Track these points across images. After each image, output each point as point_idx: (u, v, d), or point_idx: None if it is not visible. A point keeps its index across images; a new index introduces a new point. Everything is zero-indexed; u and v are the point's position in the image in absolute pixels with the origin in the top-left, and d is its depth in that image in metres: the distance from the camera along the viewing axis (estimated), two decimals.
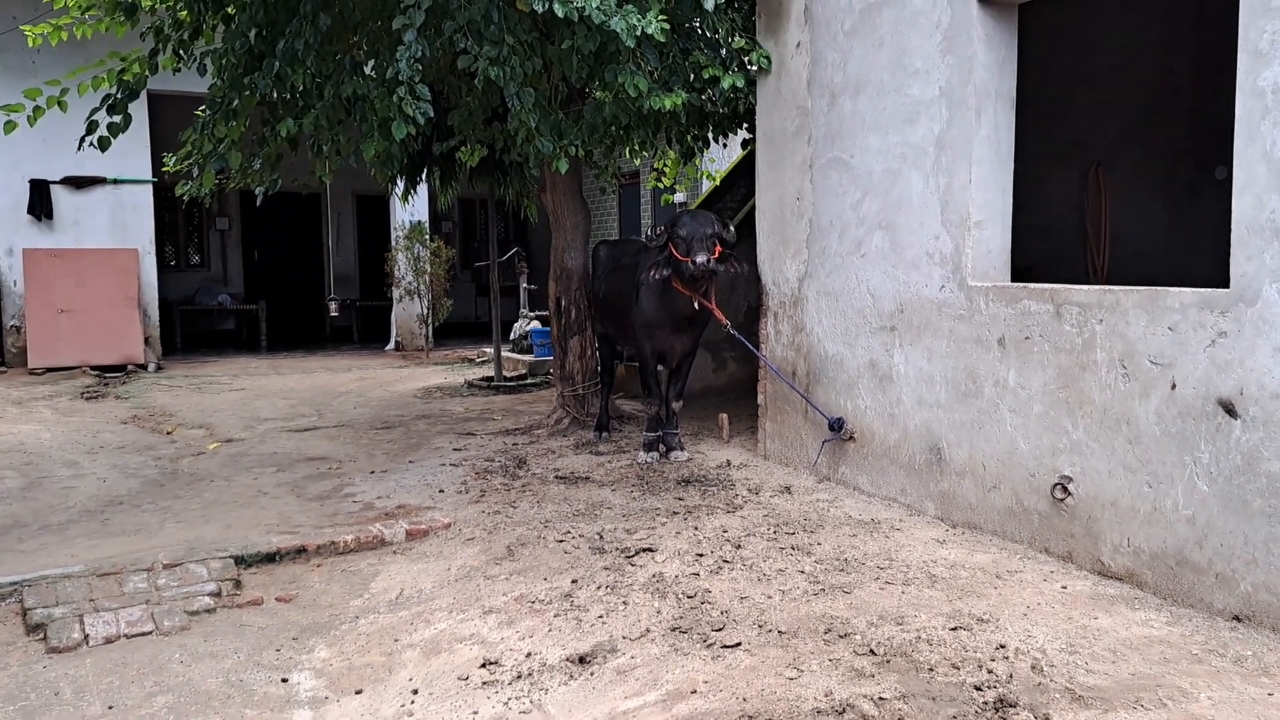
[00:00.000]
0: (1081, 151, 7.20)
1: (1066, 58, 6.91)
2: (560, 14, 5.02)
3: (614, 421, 7.62)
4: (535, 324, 11.95)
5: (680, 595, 4.18)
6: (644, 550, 4.75)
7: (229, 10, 6.74)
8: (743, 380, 8.58)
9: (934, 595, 4.07)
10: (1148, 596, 3.98)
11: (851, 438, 5.57)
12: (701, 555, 4.64)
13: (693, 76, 6.27)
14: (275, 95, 6.65)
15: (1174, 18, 7.28)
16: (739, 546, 4.73)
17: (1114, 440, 4.10)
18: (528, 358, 11.33)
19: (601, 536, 5.00)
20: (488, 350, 12.88)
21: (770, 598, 4.10)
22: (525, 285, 12.33)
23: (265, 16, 6.41)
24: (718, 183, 8.71)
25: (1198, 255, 7.29)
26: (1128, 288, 4.03)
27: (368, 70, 6.53)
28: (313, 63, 6.34)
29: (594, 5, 5.06)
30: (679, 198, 12.24)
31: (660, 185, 9.28)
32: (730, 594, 4.16)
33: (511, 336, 11.92)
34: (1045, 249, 6.71)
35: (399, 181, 8.78)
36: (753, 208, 8.35)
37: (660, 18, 5.29)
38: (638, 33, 5.25)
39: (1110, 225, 7.11)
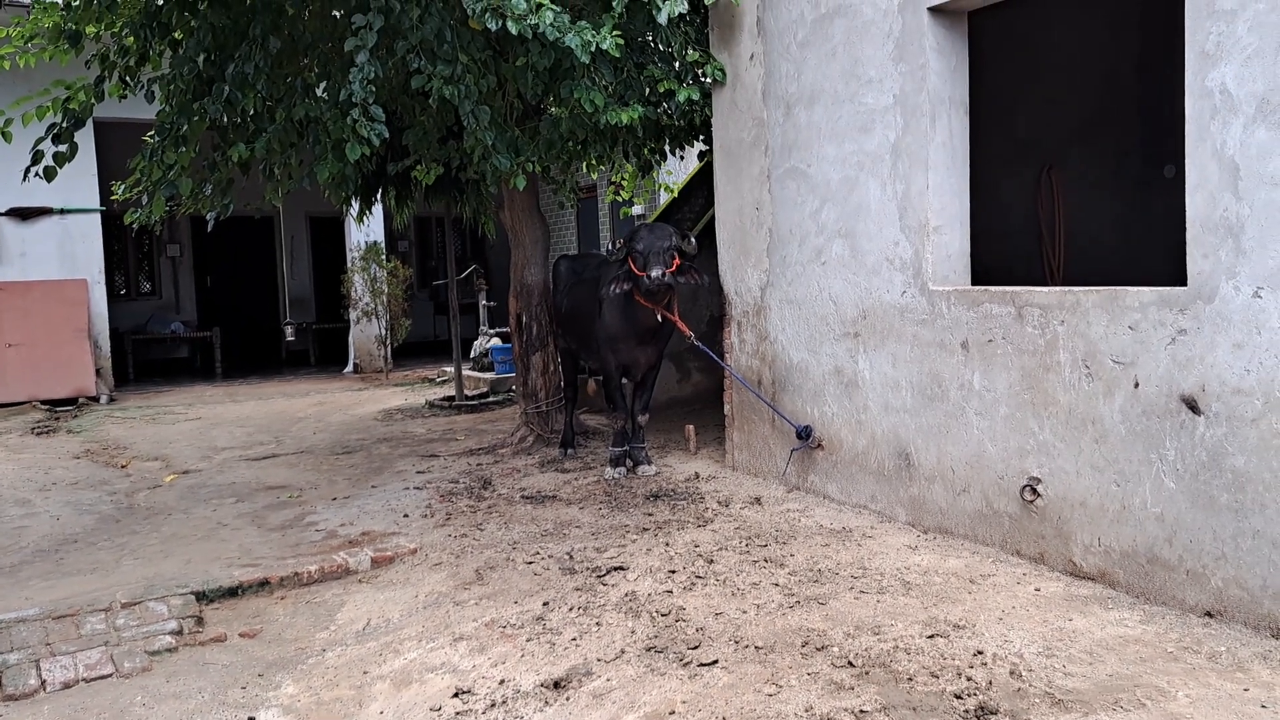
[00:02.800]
0: (1034, 153, 7.27)
1: (1015, 61, 6.98)
2: (514, 31, 4.97)
3: (579, 437, 7.56)
4: (495, 341, 11.86)
5: (654, 614, 4.13)
6: (615, 569, 4.70)
7: (176, 36, 6.64)
8: (708, 390, 8.56)
9: (909, 603, 4.06)
10: (1120, 596, 4.00)
11: (820, 445, 5.56)
12: (674, 572, 4.60)
13: (648, 90, 6.26)
14: (225, 120, 6.55)
15: (1117, 20, 7.39)
16: (711, 561, 4.69)
17: (1080, 440, 4.12)
18: (489, 375, 11.23)
19: (571, 556, 4.94)
20: (448, 369, 12.75)
21: (745, 612, 4.06)
22: (484, 302, 12.24)
23: (213, 41, 6.32)
24: (676, 194, 8.70)
25: (1151, 252, 7.41)
26: (1087, 288, 4.06)
27: (319, 92, 6.45)
28: (263, 86, 6.26)
29: (548, 22, 5.02)
30: (637, 210, 12.24)
31: (619, 199, 9.26)
32: (705, 610, 4.12)
33: (472, 354, 11.81)
34: (1003, 251, 6.76)
35: (354, 202, 8.68)
36: (712, 218, 8.37)
37: (614, 33, 5.27)
38: (592, 48, 5.22)
39: (1065, 225, 7.18)
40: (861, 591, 4.22)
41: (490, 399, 10.24)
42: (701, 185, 9.24)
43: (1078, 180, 7.40)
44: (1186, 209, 3.73)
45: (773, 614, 4.04)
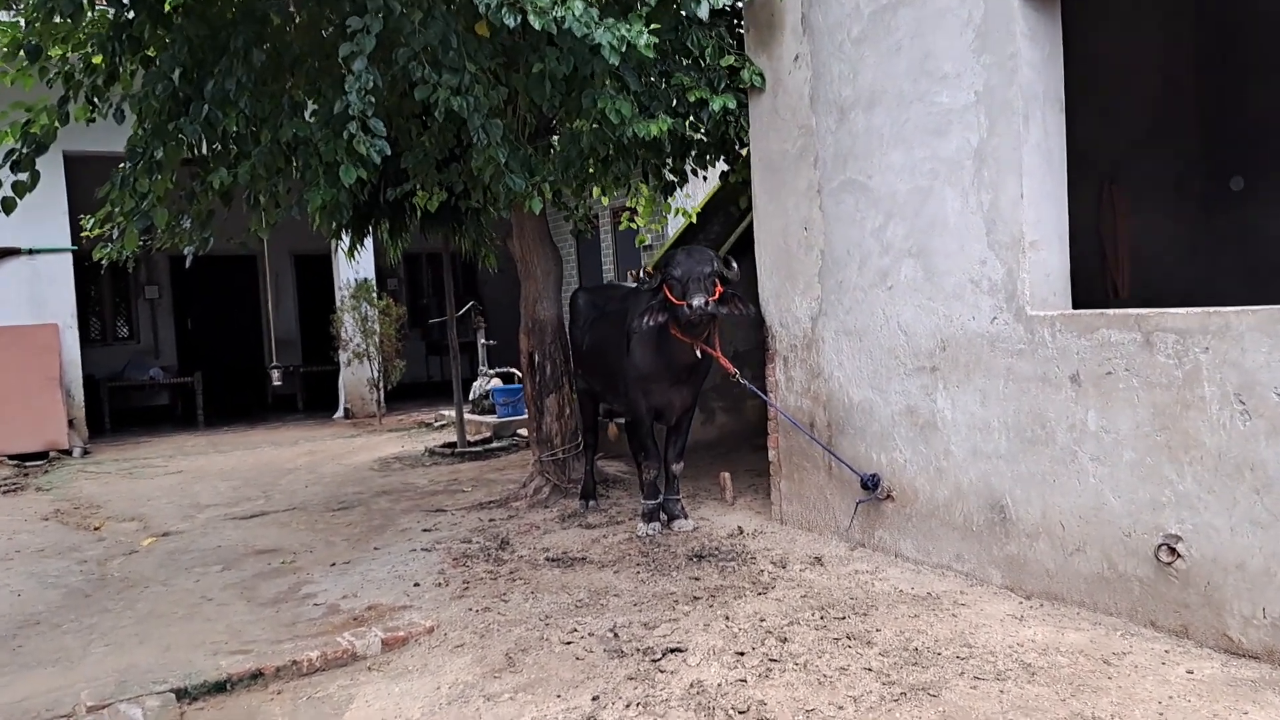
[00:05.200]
0: (1090, 167, 6.66)
1: (1069, 70, 6.41)
2: (538, 26, 4.33)
3: (599, 487, 6.85)
4: (496, 382, 11.14)
5: (730, 711, 3.42)
6: (672, 651, 3.97)
7: (148, 53, 5.98)
8: (734, 433, 7.87)
9: (1040, 693, 3.36)
10: None
11: (889, 496, 4.87)
12: (742, 654, 3.88)
13: (674, 100, 5.63)
14: (204, 143, 5.89)
15: (1172, 19, 6.84)
16: (784, 640, 3.98)
17: (1235, 490, 3.45)
18: (491, 419, 10.50)
19: (616, 634, 4.21)
20: (446, 413, 12.04)
21: (842, 709, 3.36)
22: (483, 341, 11.54)
23: (190, 56, 5.65)
24: (693, 219, 8.05)
25: (1221, 271, 6.82)
26: (1240, 308, 3.40)
27: (309, 112, 5.80)
28: (247, 104, 5.61)
29: (575, 15, 4.37)
30: (636, 241, 11.60)
31: (633, 226, 8.60)
32: (790, 705, 3.41)
33: (471, 396, 11.08)
34: None
35: (344, 236, 8.01)
36: (739, 241, 7.72)
37: (648, 30, 4.63)
38: (623, 48, 4.58)
39: (1128, 243, 6.57)
40: (977, 678, 3.52)
41: (494, 445, 9.51)
42: (720, 209, 8.61)
43: (1138, 197, 6.81)
44: None
45: (875, 710, 3.33)
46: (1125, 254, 6.58)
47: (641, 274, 5.36)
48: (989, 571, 4.39)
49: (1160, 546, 3.69)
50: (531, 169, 5.55)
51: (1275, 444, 3.32)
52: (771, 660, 3.81)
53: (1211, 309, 3.48)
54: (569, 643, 4.19)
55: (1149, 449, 3.70)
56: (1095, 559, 3.94)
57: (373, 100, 4.85)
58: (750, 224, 7.76)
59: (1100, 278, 6.63)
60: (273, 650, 4.37)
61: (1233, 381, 3.42)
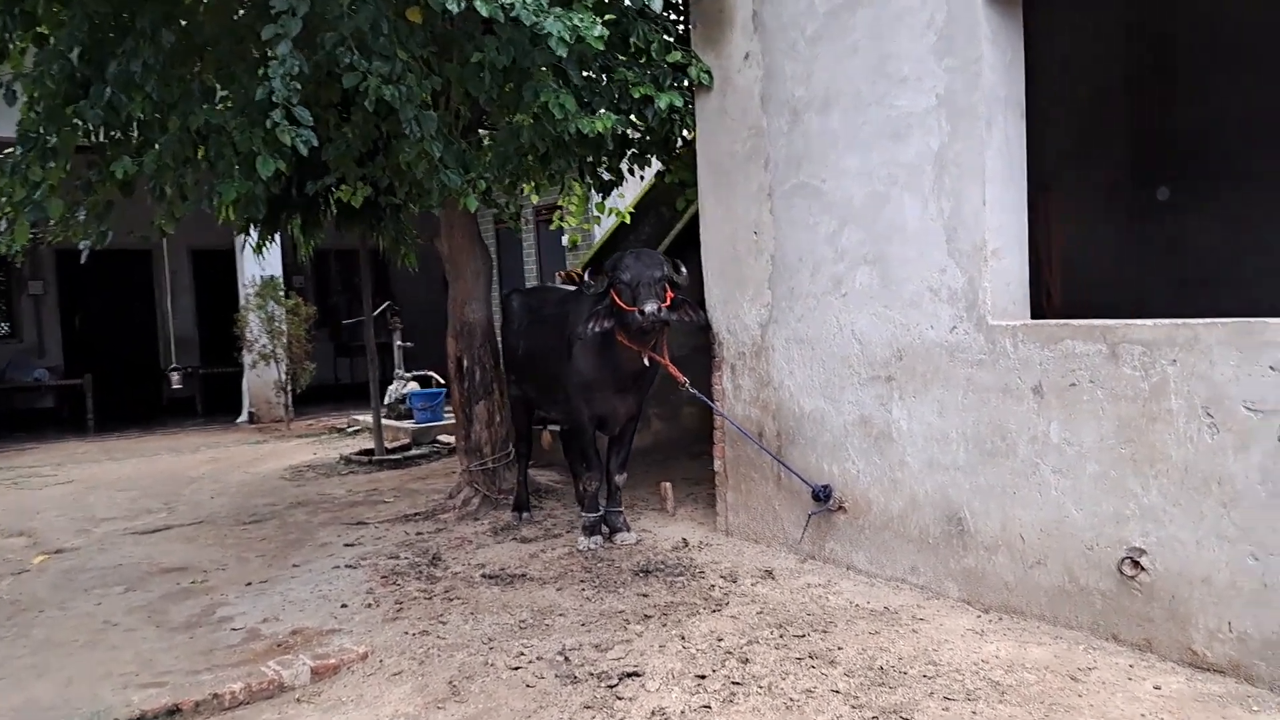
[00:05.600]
0: (1029, 174, 6.72)
1: None
2: (484, 12, 4.09)
3: (532, 498, 6.59)
4: (414, 386, 10.76)
5: None
6: (629, 675, 3.77)
7: (42, 29, 5.50)
8: (670, 441, 7.71)
9: (1013, 714, 3.27)
10: (1264, 694, 3.29)
11: (841, 508, 4.76)
12: (703, 677, 3.71)
13: (618, 96, 5.42)
14: (105, 129, 5.44)
15: (1106, 34, 6.93)
16: (745, 661, 3.82)
17: (1201, 504, 3.42)
18: (409, 424, 10.12)
19: (567, 658, 3.99)
20: (359, 418, 11.59)
21: None
22: (399, 343, 11.12)
23: (90, 35, 5.22)
24: (626, 219, 7.84)
25: (1152, 280, 6.94)
26: (1210, 320, 3.37)
27: (221, 98, 5.42)
28: (154, 88, 5.20)
29: (523, 2, 4.14)
30: (565, 240, 11.36)
31: (565, 225, 8.34)
32: None
33: (387, 401, 10.65)
34: None
35: (253, 231, 7.57)
36: (675, 243, 7.55)
37: (597, 21, 4.42)
38: (571, 39, 4.36)
39: (1059, 252, 6.62)
40: (947, 699, 3.41)
41: (414, 452, 9.14)
42: (651, 209, 8.44)
43: (1070, 205, 6.88)
44: None
45: None
46: (1058, 262, 6.63)
47: (585, 277, 5.12)
48: (946, 584, 4.31)
49: (1124, 560, 3.65)
50: (466, 165, 5.28)
51: (1244, 458, 3.29)
52: (734, 683, 3.64)
53: (1180, 320, 3.44)
54: (517, 668, 3.95)
55: (1113, 462, 3.66)
56: (1056, 572, 3.88)
57: (298, 87, 4.53)
58: (687, 226, 7.63)
59: (1034, 286, 6.66)
60: (190, 682, 4.02)
61: (1201, 394, 3.39)
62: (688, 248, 6.93)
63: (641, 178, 6.92)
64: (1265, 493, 3.25)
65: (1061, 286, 6.64)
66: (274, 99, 4.45)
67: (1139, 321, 3.56)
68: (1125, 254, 6.92)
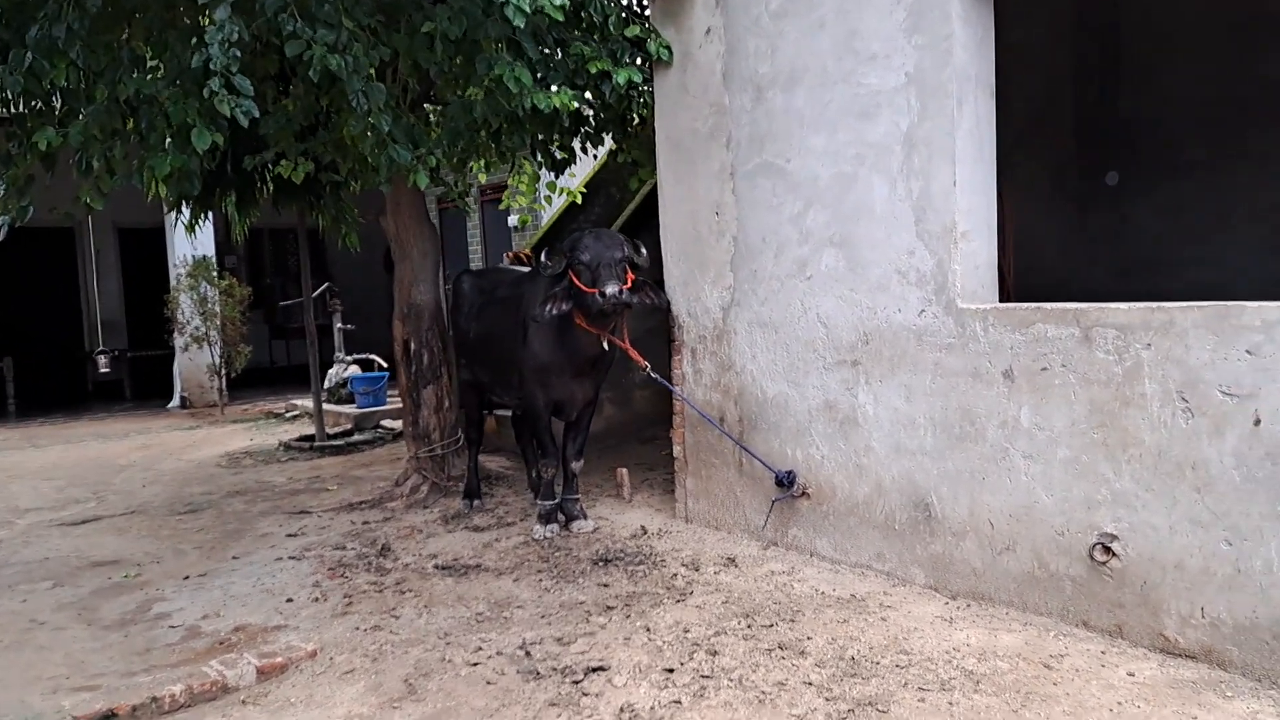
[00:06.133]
0: None
1: None
2: None
3: (481, 484, 6.41)
4: (355, 369, 10.45)
5: None
6: (594, 670, 3.65)
7: None
8: (621, 425, 7.58)
9: (989, 704, 3.22)
10: (1236, 679, 3.28)
11: (805, 494, 4.68)
12: (671, 671, 3.60)
13: (574, 71, 5.25)
14: (25, 98, 5.12)
15: (1054, 24, 6.94)
16: (714, 653, 3.71)
17: (1175, 489, 3.39)
18: (350, 409, 9.83)
19: (528, 653, 3.85)
20: (298, 402, 11.24)
21: None
22: (339, 325, 10.79)
23: None
24: (578, 198, 7.66)
25: (1098, 265, 7.00)
26: (1185, 304, 3.34)
27: (151, 66, 5.14)
28: (79, 55, 4.89)
29: None
30: (512, 220, 11.14)
31: (515, 205, 8.13)
32: None
33: (327, 385, 10.33)
34: None
35: (184, 208, 7.25)
36: (627, 224, 7.40)
37: None
38: (529, 8, 4.18)
39: (1013, 235, 6.63)
40: (921, 689, 3.35)
41: (357, 438, 8.87)
42: (601, 189, 8.27)
43: (1019, 191, 6.89)
44: None
45: None
46: (1011, 246, 6.63)
47: (543, 257, 4.94)
48: (912, 571, 4.25)
49: (1095, 545, 3.62)
50: (416, 140, 5.07)
51: (1218, 442, 3.27)
52: (704, 677, 3.53)
53: (1155, 304, 3.41)
54: (475, 664, 3.80)
55: (1085, 446, 3.62)
56: (1026, 558, 3.85)
57: (237, 55, 4.29)
58: (640, 206, 7.48)
59: None
60: (126, 685, 3.79)
61: (1175, 379, 3.36)
62: (641, 230, 6.79)
63: (594, 156, 6.75)
64: (1239, 477, 3.23)
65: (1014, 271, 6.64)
66: (211, 67, 4.20)
67: (1113, 305, 3.52)
68: (1072, 238, 6.96)
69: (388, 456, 8.08)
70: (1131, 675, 3.37)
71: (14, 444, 10.04)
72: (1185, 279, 6.09)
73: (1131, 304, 3.47)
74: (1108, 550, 3.59)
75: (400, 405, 6.77)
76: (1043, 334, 3.71)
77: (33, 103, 5.33)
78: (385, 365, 10.20)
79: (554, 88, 5.06)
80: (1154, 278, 6.37)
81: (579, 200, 7.65)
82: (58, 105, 5.41)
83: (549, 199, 7.27)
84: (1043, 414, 3.74)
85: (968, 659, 3.56)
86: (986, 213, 4.09)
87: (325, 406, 9.41)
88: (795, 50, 4.53)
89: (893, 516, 4.31)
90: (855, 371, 4.41)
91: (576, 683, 3.56)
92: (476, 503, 6.06)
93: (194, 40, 4.55)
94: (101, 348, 12.44)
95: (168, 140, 4.90)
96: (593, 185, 8.08)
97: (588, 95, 5.42)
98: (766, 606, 4.14)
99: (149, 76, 5.04)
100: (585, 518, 5.42)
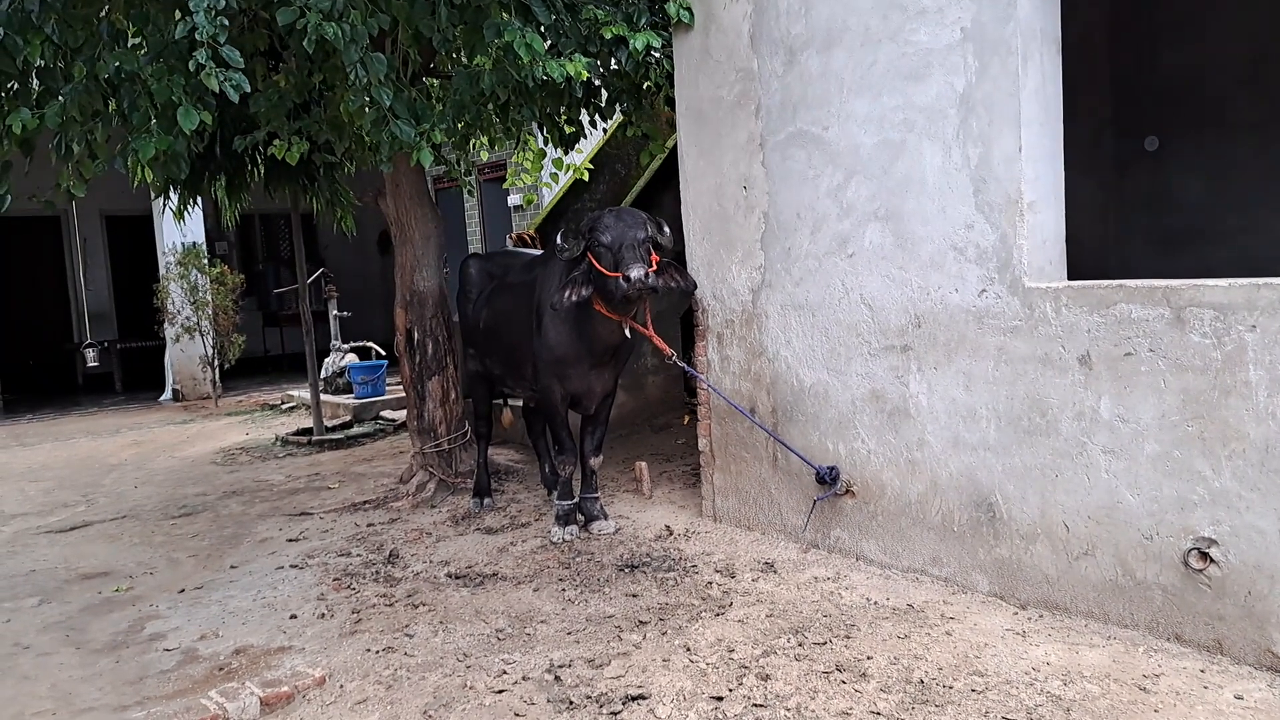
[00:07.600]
0: None
1: None
2: None
3: (492, 480, 6.04)
4: (352, 357, 10.06)
5: None
6: (633, 699, 3.28)
7: None
8: (634, 413, 7.21)
9: None
10: None
11: (850, 492, 4.31)
12: (720, 699, 3.23)
13: (586, 37, 4.83)
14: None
15: None
16: (765, 677, 3.35)
17: None
18: (349, 399, 9.44)
19: (558, 677, 3.48)
20: (294, 393, 10.86)
21: None
22: (335, 312, 10.39)
23: None
24: (585, 175, 7.25)
25: (1136, 234, 6.60)
26: None
27: (133, 42, 4.75)
28: (55, 30, 4.53)
29: None
30: (513, 200, 10.72)
31: (520, 184, 7.71)
32: None
33: (324, 374, 9.94)
34: None
35: (172, 194, 6.85)
36: (636, 202, 6.99)
37: None
38: None
39: None
40: (1005, 718, 2.98)
41: (356, 430, 8.49)
42: (606, 166, 7.85)
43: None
44: None
45: None
46: None
47: (559, 240, 4.53)
48: (973, 577, 3.89)
49: (1190, 551, 3.25)
50: (418, 115, 4.66)
51: None
52: (757, 705, 3.17)
53: (1261, 280, 3.02)
54: (501, 691, 3.43)
55: (1177, 441, 3.25)
56: (1107, 564, 3.48)
57: (225, 23, 3.89)
58: (650, 182, 7.08)
59: None
60: None
61: None
62: (652, 207, 6.40)
63: (604, 130, 6.33)
64: None
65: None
66: (197, 37, 3.82)
67: (1210, 282, 3.13)
68: (1109, 205, 6.56)
69: (390, 451, 7.70)
70: (1240, 698, 3.01)
71: (0, 443, 9.64)
72: (1234, 249, 5.71)
73: (1234, 280, 3.09)
74: (1205, 556, 3.22)
75: (401, 395, 6.39)
76: (1126, 315, 3.32)
77: (8, 84, 4.95)
78: (384, 353, 9.82)
79: (565, 55, 4.66)
80: (1200, 247, 5.98)
81: (585, 177, 7.24)
82: (34, 85, 5.03)
83: (555, 176, 6.85)
84: (1126, 405, 3.36)
85: (1051, 681, 3.19)
86: (1054, 181, 3.69)
87: (323, 397, 9.02)
88: (833, 7, 4.12)
89: (950, 517, 3.94)
90: (906, 358, 4.02)
91: (615, 714, 3.20)
92: (487, 501, 5.69)
93: (177, 11, 4.17)
94: (90, 340, 12.01)
95: (152, 121, 4.59)
96: (597, 161, 7.66)
97: (599, 64, 4.99)
98: (816, 620, 3.78)
99: (131, 52, 4.65)
100: (606, 518, 5.05)
